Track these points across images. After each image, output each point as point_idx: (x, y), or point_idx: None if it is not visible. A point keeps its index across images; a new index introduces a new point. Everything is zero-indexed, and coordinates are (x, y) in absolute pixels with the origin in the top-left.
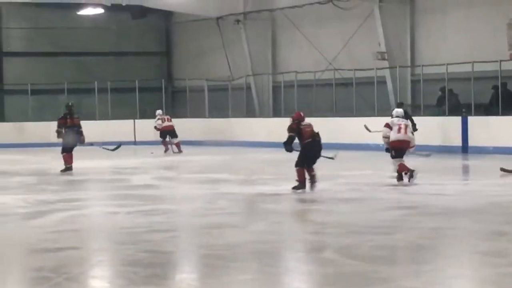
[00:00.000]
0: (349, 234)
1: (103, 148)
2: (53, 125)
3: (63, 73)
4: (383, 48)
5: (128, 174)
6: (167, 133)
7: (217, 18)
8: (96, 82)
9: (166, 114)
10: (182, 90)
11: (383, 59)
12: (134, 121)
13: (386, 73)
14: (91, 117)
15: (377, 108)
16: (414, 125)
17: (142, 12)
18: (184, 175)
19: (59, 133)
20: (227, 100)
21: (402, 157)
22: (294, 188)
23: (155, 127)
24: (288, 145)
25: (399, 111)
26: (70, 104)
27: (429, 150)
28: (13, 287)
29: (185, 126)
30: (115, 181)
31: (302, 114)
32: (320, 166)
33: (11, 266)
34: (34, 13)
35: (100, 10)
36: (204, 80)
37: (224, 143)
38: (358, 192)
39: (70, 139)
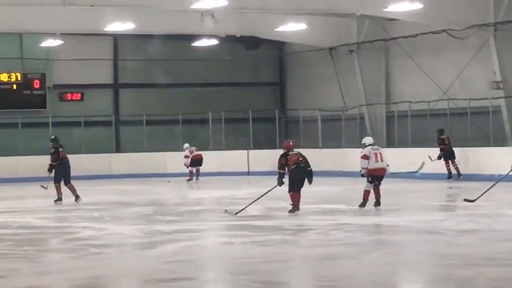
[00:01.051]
0: (467, 266)
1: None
2: (169, 155)
3: (178, 104)
4: (498, 77)
5: (242, 204)
6: (197, 162)
7: (330, 48)
8: (210, 113)
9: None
10: (295, 120)
11: (498, 88)
12: (248, 152)
13: (502, 102)
14: (205, 147)
15: (492, 138)
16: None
17: (256, 43)
18: None
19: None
20: (340, 130)
21: (378, 182)
22: (290, 211)
23: (185, 159)
24: (278, 181)
25: (370, 139)
26: (54, 139)
27: None
28: None
29: None
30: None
31: (291, 143)
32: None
33: None
34: (149, 45)
35: (214, 42)
36: (317, 110)
37: (337, 173)
38: (476, 224)
39: (63, 170)
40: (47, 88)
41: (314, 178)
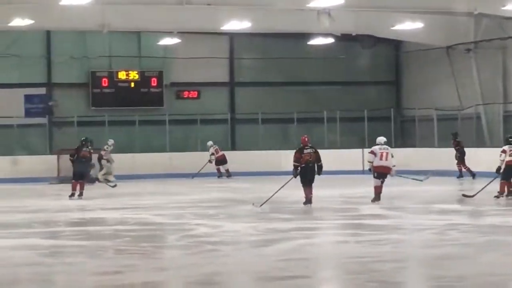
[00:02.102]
0: None
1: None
2: (283, 154)
3: (293, 103)
4: None
5: (356, 203)
6: (221, 162)
7: (447, 47)
8: (325, 112)
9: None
10: (411, 119)
11: None
12: (363, 150)
13: None
14: (320, 145)
15: None
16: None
17: (372, 42)
18: (412, 205)
19: (71, 161)
20: (456, 130)
21: (383, 179)
22: (304, 203)
23: (210, 157)
24: (294, 173)
25: (381, 139)
26: (82, 139)
27: None
28: None
29: (413, 156)
30: (345, 210)
31: (306, 139)
32: None
33: None
34: (264, 43)
35: (330, 40)
36: (433, 109)
37: (452, 173)
38: None
39: (77, 168)
40: (164, 86)
41: (430, 177)
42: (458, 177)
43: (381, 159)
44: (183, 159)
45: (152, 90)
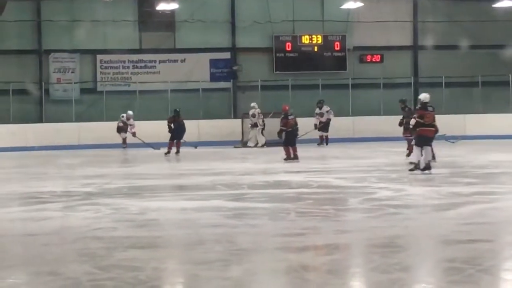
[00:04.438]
0: None
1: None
2: (468, 117)
3: (477, 66)
4: None
5: None
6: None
7: None
8: (510, 75)
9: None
10: None
11: None
12: None
13: None
14: (504, 109)
15: None
16: None
17: None
18: None
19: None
20: None
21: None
22: (284, 159)
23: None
24: (279, 135)
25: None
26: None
27: None
28: (426, 276)
29: None
30: None
31: (287, 108)
32: None
33: (425, 256)
34: (448, 6)
35: None
36: None
37: None
38: None
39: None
40: (347, 50)
41: None
42: None
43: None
44: (366, 123)
45: (335, 54)
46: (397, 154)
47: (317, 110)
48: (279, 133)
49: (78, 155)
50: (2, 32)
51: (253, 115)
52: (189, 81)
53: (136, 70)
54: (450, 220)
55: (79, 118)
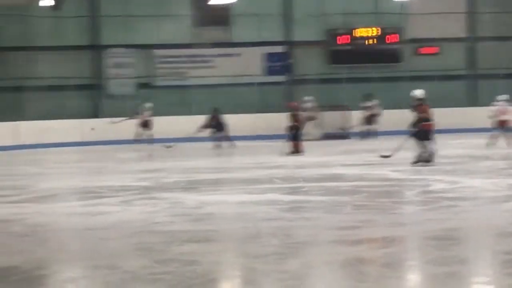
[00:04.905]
0: None
1: None
2: None
3: None
4: None
5: None
6: None
7: None
8: None
9: None
10: None
11: None
12: None
13: None
14: None
15: None
16: None
17: None
18: None
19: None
20: None
21: None
22: (290, 153)
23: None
24: (291, 131)
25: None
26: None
27: None
28: (483, 269)
29: None
30: None
31: (296, 104)
32: None
33: (481, 249)
34: None
35: None
36: None
37: None
38: None
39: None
40: (401, 43)
41: None
42: None
43: None
44: None
45: (390, 46)
46: (452, 146)
47: (365, 103)
48: (292, 129)
49: (134, 150)
50: (60, 28)
51: (308, 109)
52: (244, 75)
53: (191, 64)
54: (507, 212)
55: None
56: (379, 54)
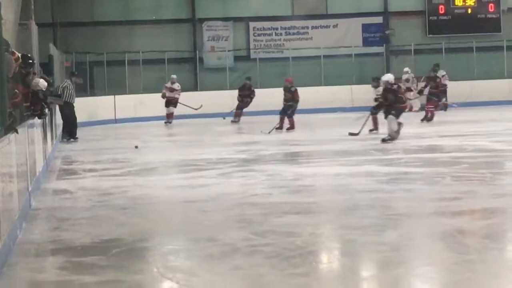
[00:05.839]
0: None
1: None
2: None
3: None
4: None
5: None
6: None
7: None
8: None
9: None
10: None
11: None
12: None
13: None
14: None
15: None
16: None
17: None
18: None
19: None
20: None
21: None
22: (287, 129)
23: None
24: (287, 108)
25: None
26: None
27: None
28: None
29: None
30: None
31: (291, 80)
32: None
33: None
34: None
35: None
36: None
37: None
38: None
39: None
40: (501, 12)
41: None
42: None
43: None
44: None
45: (489, 15)
46: None
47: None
48: (289, 107)
49: (232, 123)
50: (158, 2)
51: (407, 80)
52: (341, 47)
53: (288, 36)
54: None
55: (233, 86)
56: (478, 24)
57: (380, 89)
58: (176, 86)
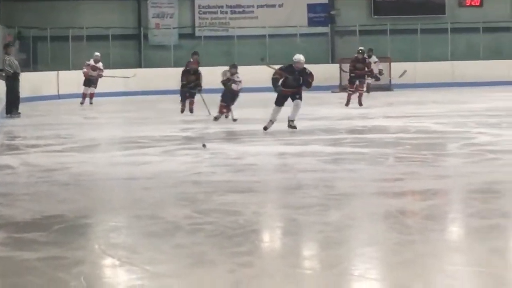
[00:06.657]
0: None
1: None
2: None
3: None
4: None
5: None
6: None
7: None
8: None
9: None
10: None
11: None
12: None
13: None
14: None
15: None
16: None
17: None
18: None
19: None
20: None
21: None
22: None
23: None
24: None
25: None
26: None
27: None
28: None
29: None
30: None
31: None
32: None
33: None
34: None
35: None
36: None
37: None
38: None
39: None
40: None
41: None
42: None
43: None
44: (465, 67)
45: None
46: (497, 99)
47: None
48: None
49: (177, 101)
50: None
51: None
52: (286, 26)
53: (234, 15)
54: None
55: (178, 63)
56: (423, 5)
57: (374, 58)
58: (100, 65)
